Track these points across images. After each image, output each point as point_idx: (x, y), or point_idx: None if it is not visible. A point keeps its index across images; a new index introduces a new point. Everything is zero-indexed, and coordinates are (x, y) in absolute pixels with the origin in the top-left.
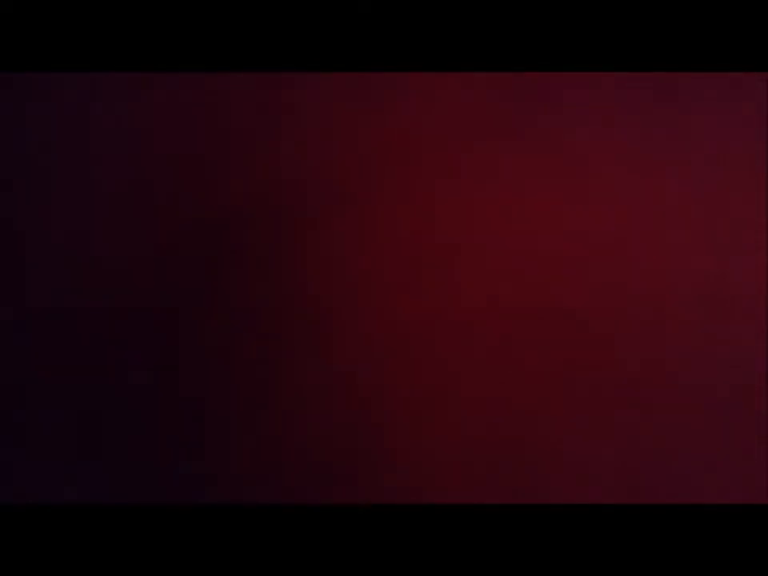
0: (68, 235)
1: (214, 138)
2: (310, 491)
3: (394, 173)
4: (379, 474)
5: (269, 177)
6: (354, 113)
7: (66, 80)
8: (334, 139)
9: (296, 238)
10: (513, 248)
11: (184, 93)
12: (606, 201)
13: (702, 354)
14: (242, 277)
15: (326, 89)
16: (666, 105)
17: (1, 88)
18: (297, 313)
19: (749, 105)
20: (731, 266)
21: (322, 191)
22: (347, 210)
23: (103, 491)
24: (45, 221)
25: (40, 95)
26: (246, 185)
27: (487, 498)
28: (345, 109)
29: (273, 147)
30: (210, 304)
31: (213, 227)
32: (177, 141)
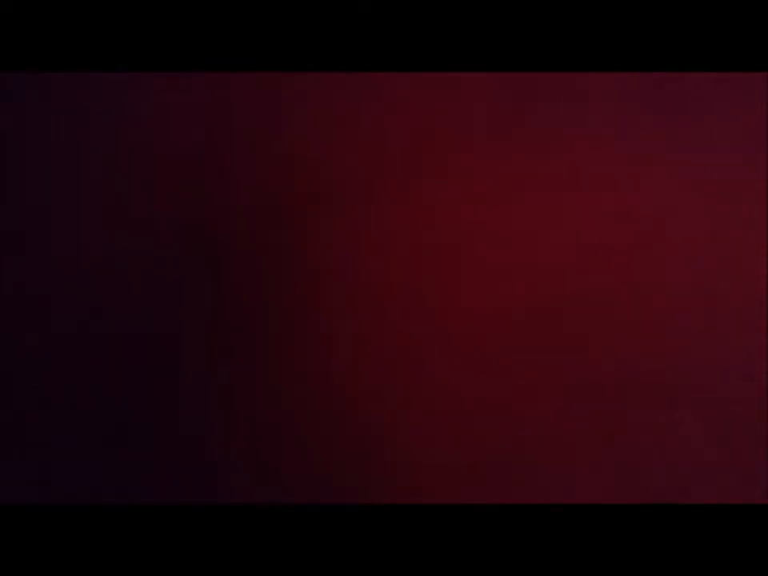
0: (66, 235)
1: (214, 138)
2: (310, 491)
3: (393, 173)
4: (379, 474)
5: (269, 177)
6: (354, 113)
7: (66, 80)
8: (334, 139)
9: (295, 237)
10: (513, 248)
11: (184, 93)
12: (605, 201)
13: (701, 354)
14: (242, 277)
15: (326, 89)
16: (666, 105)
17: (1, 88)
18: (297, 313)
19: (749, 105)
20: (731, 266)
21: (322, 191)
22: (347, 209)
23: (103, 491)
24: (42, 221)
25: (39, 95)
26: (246, 185)
27: (487, 499)
28: (345, 109)
29: (273, 147)
30: (209, 304)
31: (212, 227)
32: (176, 141)
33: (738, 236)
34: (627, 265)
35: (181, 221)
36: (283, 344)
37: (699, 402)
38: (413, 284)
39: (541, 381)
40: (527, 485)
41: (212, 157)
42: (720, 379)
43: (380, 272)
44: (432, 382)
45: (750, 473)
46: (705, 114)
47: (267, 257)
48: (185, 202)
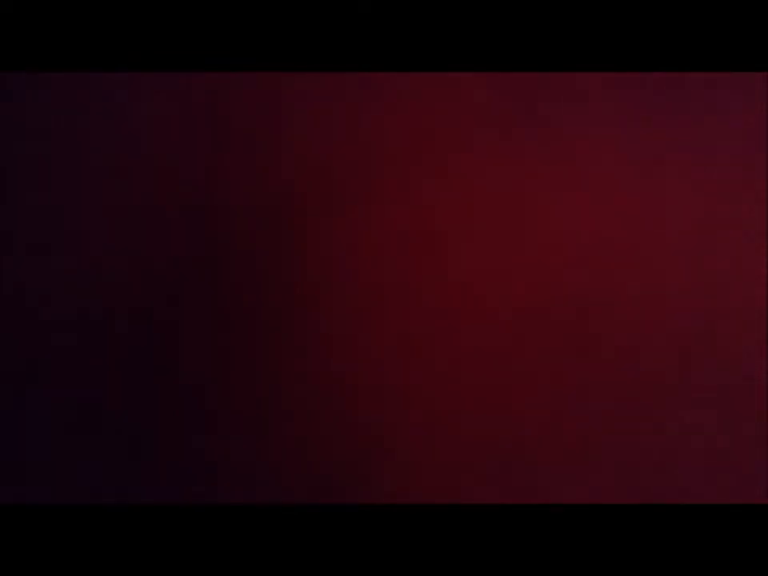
0: (66, 235)
1: (214, 138)
2: (310, 491)
3: (393, 173)
4: (379, 474)
5: (269, 177)
6: (353, 113)
7: (66, 80)
8: (334, 139)
9: (295, 237)
10: (513, 248)
11: (184, 93)
12: (605, 201)
13: (701, 354)
14: (241, 276)
15: (326, 89)
16: (666, 105)
17: (1, 88)
18: (296, 313)
19: (749, 105)
20: (731, 266)
21: (322, 191)
22: (347, 209)
23: (103, 491)
24: (42, 221)
25: (39, 95)
26: (246, 185)
27: (487, 499)
28: (345, 109)
29: (273, 147)
30: (208, 304)
31: (212, 227)
32: (176, 141)
33: (737, 236)
34: (627, 265)
35: (181, 220)
36: (283, 344)
37: (699, 402)
38: (413, 284)
39: (541, 381)
40: (527, 485)
41: (212, 157)
42: (720, 379)
43: (380, 272)
44: (432, 382)
45: (750, 473)
46: (705, 114)
47: (267, 257)
48: (184, 202)
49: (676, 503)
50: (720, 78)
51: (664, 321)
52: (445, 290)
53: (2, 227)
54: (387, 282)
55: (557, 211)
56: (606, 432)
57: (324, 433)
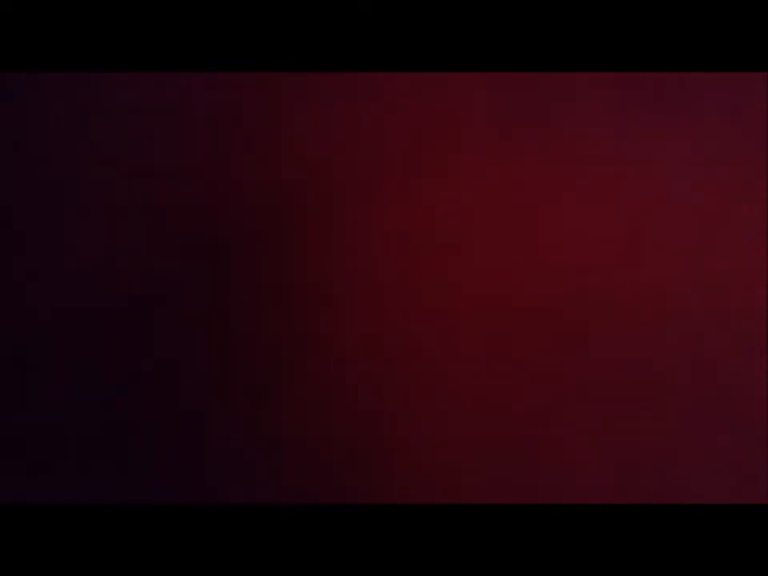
0: (66, 235)
1: (214, 138)
2: (310, 491)
3: (393, 173)
4: (379, 474)
5: (269, 177)
6: (353, 113)
7: (66, 80)
8: (334, 139)
9: (296, 237)
10: (513, 249)
11: (184, 93)
12: (605, 201)
13: (701, 354)
14: (241, 277)
15: (326, 89)
16: (666, 105)
17: (1, 88)
18: (297, 313)
19: (749, 105)
20: (731, 266)
21: (322, 191)
22: (347, 209)
23: (103, 491)
24: (42, 221)
25: (39, 95)
26: (246, 185)
27: (487, 499)
28: (345, 109)
29: (273, 147)
30: (209, 304)
31: (212, 227)
32: (176, 140)
33: (737, 236)
34: (627, 265)
35: (180, 220)
36: (283, 344)
37: (699, 402)
38: (413, 284)
39: (541, 381)
40: (527, 485)
41: (212, 157)
42: (720, 379)
43: (379, 272)
44: (432, 382)
45: (750, 473)
46: (705, 114)
47: (267, 257)
48: (184, 202)
49: (676, 503)
50: (720, 78)
51: (664, 321)
52: (445, 289)
53: (2, 227)
54: (387, 282)
55: (556, 211)
56: (606, 432)
57: (324, 433)
